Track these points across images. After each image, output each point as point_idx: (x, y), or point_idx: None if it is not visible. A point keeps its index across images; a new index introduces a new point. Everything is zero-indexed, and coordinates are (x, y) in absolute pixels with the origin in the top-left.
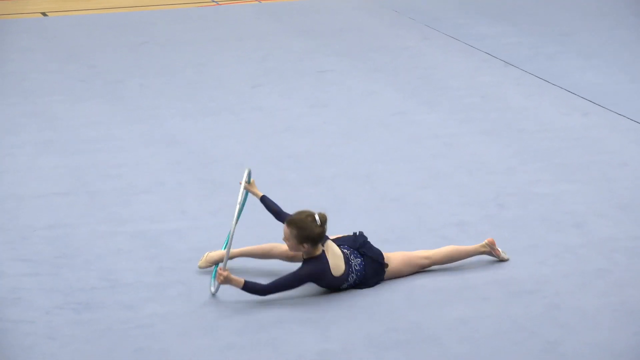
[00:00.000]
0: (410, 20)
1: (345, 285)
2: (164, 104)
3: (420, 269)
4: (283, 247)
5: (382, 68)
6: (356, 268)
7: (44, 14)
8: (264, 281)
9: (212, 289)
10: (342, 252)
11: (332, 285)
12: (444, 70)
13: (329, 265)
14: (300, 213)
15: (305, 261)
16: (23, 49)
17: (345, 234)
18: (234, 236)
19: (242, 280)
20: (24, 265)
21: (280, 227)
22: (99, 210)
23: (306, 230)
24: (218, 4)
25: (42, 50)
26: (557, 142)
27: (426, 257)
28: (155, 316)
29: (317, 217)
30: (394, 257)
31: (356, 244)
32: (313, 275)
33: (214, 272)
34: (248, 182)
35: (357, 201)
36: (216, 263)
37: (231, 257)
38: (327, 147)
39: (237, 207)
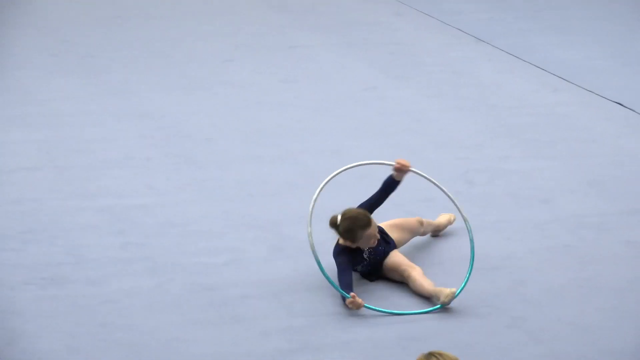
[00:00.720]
0: None
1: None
2: (135, 79)
3: (415, 234)
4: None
5: (354, 43)
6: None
7: None
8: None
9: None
10: None
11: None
12: (415, 46)
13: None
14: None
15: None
16: None
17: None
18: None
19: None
20: None
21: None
22: (67, 185)
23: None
24: None
25: (12, 24)
26: (527, 118)
27: (420, 222)
28: (121, 291)
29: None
30: (390, 226)
31: None
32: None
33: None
34: None
35: (326, 176)
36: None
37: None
38: (297, 122)
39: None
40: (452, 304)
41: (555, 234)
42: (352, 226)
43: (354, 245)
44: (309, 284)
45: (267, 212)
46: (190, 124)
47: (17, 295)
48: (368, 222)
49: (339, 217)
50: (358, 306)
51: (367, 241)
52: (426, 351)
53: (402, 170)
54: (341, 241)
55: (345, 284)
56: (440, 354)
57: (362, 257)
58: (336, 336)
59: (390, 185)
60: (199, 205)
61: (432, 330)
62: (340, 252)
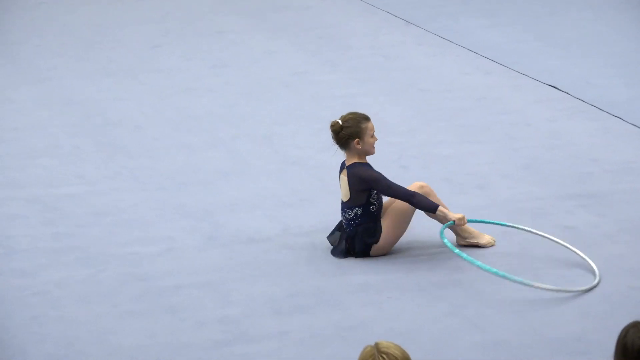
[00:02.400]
0: None
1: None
2: (61, 65)
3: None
4: None
5: (283, 28)
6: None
7: None
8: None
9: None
10: None
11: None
12: (345, 30)
13: None
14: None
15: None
16: None
17: None
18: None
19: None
20: None
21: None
22: None
23: None
24: None
25: None
26: (460, 102)
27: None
28: (52, 283)
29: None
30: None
31: None
32: None
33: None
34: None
35: (258, 163)
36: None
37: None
38: (227, 109)
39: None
40: (395, 298)
41: (492, 219)
42: (355, 116)
43: (362, 153)
44: (244, 273)
45: (200, 200)
46: (119, 112)
47: None
48: (367, 116)
49: (340, 121)
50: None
51: (370, 142)
52: (372, 343)
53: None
54: (354, 159)
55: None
56: (386, 353)
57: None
58: (273, 326)
59: (426, 209)
60: (130, 194)
61: (371, 319)
62: (370, 167)
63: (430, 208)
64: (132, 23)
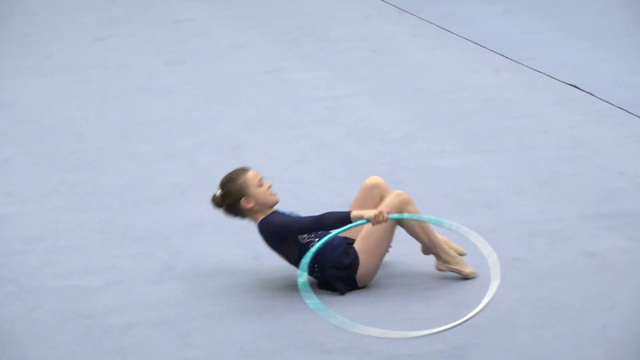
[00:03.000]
0: None
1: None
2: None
3: None
4: None
5: (251, 16)
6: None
7: None
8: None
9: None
10: None
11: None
12: (326, 19)
13: None
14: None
15: None
16: None
17: None
18: None
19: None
20: None
21: None
22: None
23: None
24: None
25: None
26: (464, 104)
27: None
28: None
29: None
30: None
31: None
32: None
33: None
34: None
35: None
36: None
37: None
38: (186, 113)
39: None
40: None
41: (502, 244)
42: (230, 177)
43: (261, 208)
44: (207, 310)
45: (154, 222)
46: (56, 116)
47: None
48: (243, 168)
49: (217, 192)
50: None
51: (261, 192)
52: None
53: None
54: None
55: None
56: None
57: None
58: None
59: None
60: (70, 214)
61: None
62: (275, 213)
63: (343, 219)
64: (71, 10)
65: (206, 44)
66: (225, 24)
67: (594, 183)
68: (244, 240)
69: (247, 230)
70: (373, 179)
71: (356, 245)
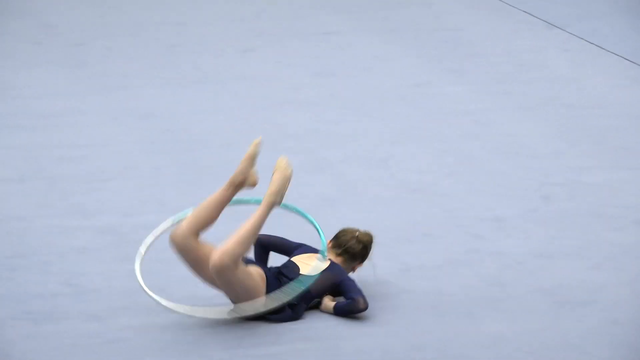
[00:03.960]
0: None
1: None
2: (135, 72)
3: None
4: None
5: (399, 29)
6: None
7: None
8: None
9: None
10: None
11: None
12: (473, 33)
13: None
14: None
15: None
16: None
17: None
18: None
19: None
20: None
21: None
22: (59, 200)
23: None
24: None
25: None
26: (612, 120)
27: None
28: (129, 329)
29: None
30: None
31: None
32: None
33: None
34: None
35: (371, 191)
36: None
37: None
38: (334, 125)
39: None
40: (537, 355)
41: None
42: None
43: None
44: (354, 322)
45: (303, 232)
46: (204, 127)
47: (7, 333)
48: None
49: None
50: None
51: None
52: None
53: None
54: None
55: None
56: None
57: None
58: None
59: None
60: (219, 225)
61: None
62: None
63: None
64: (219, 22)
65: (353, 57)
66: (372, 36)
67: None
68: (392, 253)
69: (396, 243)
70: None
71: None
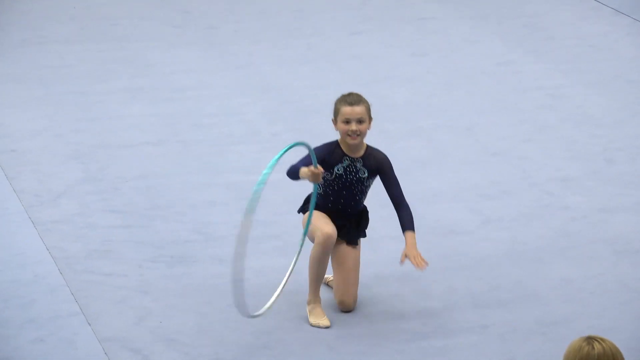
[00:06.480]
0: None
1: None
2: (259, 51)
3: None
4: None
5: (486, 16)
6: None
7: None
8: None
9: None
10: None
11: None
12: (549, 19)
13: None
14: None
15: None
16: None
17: None
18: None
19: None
20: (115, 217)
21: None
22: (192, 160)
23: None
24: None
25: None
26: None
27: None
28: (250, 270)
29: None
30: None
31: None
32: None
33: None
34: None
35: (458, 154)
36: None
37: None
38: (427, 97)
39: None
40: (597, 295)
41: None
42: (341, 96)
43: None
44: (444, 266)
45: None
46: (317, 99)
47: (145, 273)
48: (348, 100)
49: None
50: (316, 178)
51: (341, 128)
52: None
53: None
54: None
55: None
56: (602, 339)
57: (339, 161)
58: (473, 320)
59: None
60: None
61: (573, 316)
62: (320, 146)
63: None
64: (330, 9)
65: (445, 39)
66: (462, 22)
67: None
68: (475, 208)
69: (479, 199)
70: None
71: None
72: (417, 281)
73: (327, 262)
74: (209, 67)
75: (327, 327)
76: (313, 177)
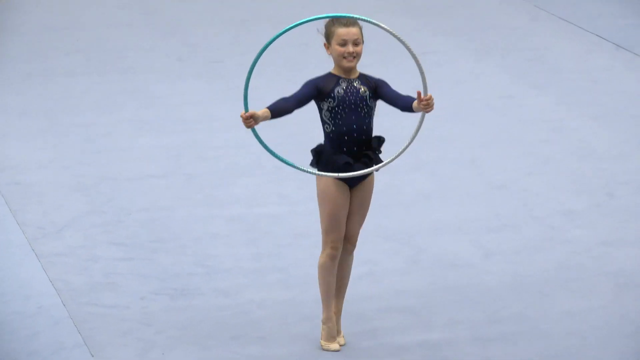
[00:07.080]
0: None
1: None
2: (264, 84)
3: None
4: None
5: (489, 49)
6: None
7: None
8: None
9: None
10: None
11: None
12: (553, 53)
13: None
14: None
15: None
16: (122, 24)
17: None
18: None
19: (267, 110)
20: (119, 249)
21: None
22: (195, 192)
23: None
24: None
25: (140, 25)
26: None
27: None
28: (253, 303)
29: None
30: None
31: None
32: None
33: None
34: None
35: (460, 186)
36: None
37: None
38: (430, 130)
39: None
40: (599, 329)
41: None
42: (334, 18)
43: (335, 62)
44: (446, 298)
45: (402, 222)
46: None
47: (148, 306)
48: (344, 21)
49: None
50: (247, 124)
51: (336, 50)
52: None
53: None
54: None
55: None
56: None
57: (336, 84)
58: (474, 352)
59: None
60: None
61: (575, 349)
62: (317, 77)
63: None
64: None
65: (449, 72)
66: (465, 55)
67: None
68: (478, 241)
69: (481, 232)
70: None
71: None
72: (418, 313)
73: (336, 269)
74: (214, 100)
75: (336, 351)
76: (244, 122)
